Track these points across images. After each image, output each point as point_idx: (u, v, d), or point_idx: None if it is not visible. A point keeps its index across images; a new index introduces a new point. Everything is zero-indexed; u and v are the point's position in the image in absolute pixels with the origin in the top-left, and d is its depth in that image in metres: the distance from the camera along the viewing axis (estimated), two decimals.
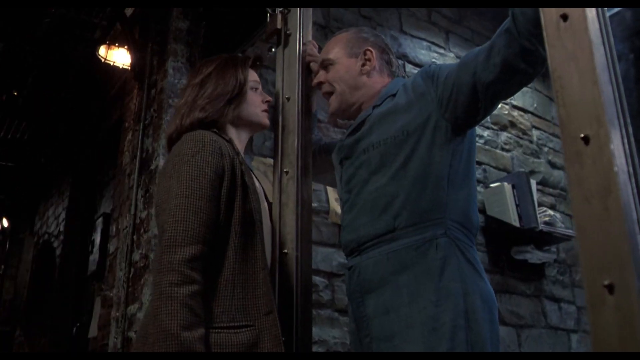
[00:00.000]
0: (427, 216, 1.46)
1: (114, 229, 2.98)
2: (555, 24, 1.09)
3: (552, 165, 4.19)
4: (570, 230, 3.61)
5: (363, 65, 1.70)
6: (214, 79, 1.65)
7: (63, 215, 4.32)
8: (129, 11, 3.04)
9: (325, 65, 1.75)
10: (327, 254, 2.84)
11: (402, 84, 1.65)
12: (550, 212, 3.54)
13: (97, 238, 3.56)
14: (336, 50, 1.74)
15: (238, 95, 1.63)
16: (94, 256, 3.55)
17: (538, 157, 4.12)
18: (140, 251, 2.32)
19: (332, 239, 2.88)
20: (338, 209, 2.89)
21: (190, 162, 1.40)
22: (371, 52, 1.71)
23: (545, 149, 4.19)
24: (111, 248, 2.99)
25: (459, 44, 3.99)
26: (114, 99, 3.61)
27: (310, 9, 1.94)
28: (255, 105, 1.68)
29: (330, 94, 1.74)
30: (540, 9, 1.13)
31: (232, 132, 1.65)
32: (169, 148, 1.63)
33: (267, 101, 1.73)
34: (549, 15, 1.10)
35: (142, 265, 2.27)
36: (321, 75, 1.76)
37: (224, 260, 1.38)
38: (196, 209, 1.35)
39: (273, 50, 2.08)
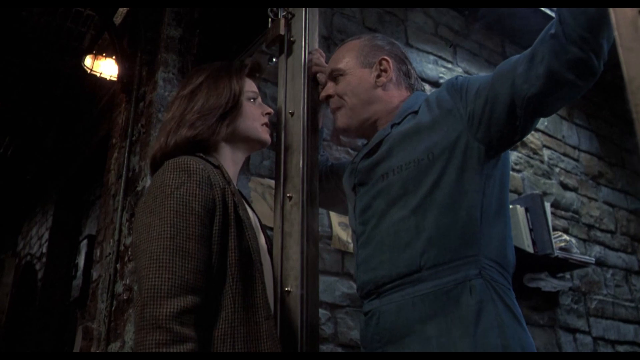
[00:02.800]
0: (459, 253, 1.24)
1: (98, 254, 2.74)
2: (632, 24, 0.88)
3: (564, 186, 3.98)
4: (587, 257, 3.39)
5: (378, 76, 1.49)
6: (205, 89, 1.44)
7: (46, 236, 4.07)
8: (118, 19, 2.82)
9: (335, 76, 1.54)
10: (329, 284, 2.60)
11: (424, 99, 1.44)
12: (566, 237, 3.32)
13: (81, 261, 3.33)
14: (347, 59, 1.53)
15: (233, 108, 1.43)
16: (78, 281, 3.31)
17: (549, 178, 3.92)
18: (123, 282, 2.08)
19: (335, 266, 2.65)
20: (342, 234, 2.66)
21: (174, 196, 1.20)
22: (387, 61, 1.50)
23: (557, 170, 3.98)
24: (94, 274, 2.75)
25: (467, 58, 3.80)
26: (102, 113, 3.39)
27: (317, 13, 1.73)
28: (254, 118, 1.47)
29: (339, 109, 1.53)
30: (611, 10, 0.92)
31: (227, 152, 1.44)
32: (152, 171, 1.41)
33: (267, 113, 1.52)
34: (622, 15, 0.89)
35: (125, 298, 2.03)
36: (330, 88, 1.55)
37: (220, 311, 1.17)
38: (184, 251, 1.15)
39: (274, 60, 1.87)
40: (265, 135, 1.50)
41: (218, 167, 1.34)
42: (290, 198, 1.53)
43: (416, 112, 1.41)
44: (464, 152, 1.30)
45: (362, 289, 1.37)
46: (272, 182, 2.47)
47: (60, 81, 3.74)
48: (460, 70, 3.71)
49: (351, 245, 2.72)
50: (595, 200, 4.13)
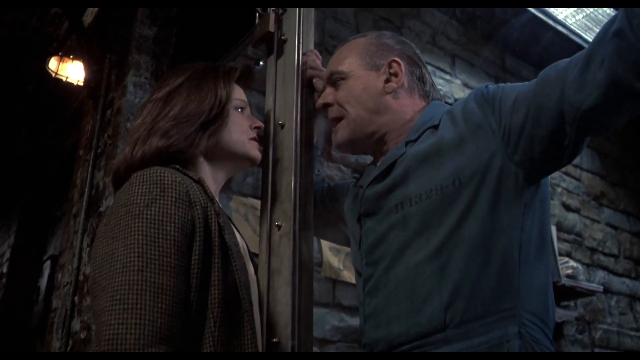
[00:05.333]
0: (493, 307, 0.99)
1: (59, 278, 2.44)
2: None
3: (567, 207, 3.76)
4: (594, 285, 3.16)
5: (387, 81, 1.23)
6: (185, 92, 1.19)
7: (8, 254, 3.73)
8: (88, 18, 2.54)
9: (335, 80, 1.27)
10: (319, 316, 2.32)
11: (445, 110, 1.18)
12: (573, 263, 3.09)
13: (44, 285, 3.01)
14: (350, 60, 1.27)
15: (217, 116, 1.18)
16: (39, 307, 3.00)
17: (552, 199, 3.69)
18: (81, 318, 1.79)
19: (326, 296, 2.38)
20: (333, 261, 2.39)
21: (143, 216, 0.96)
22: (398, 63, 1.24)
23: (559, 189, 3.76)
24: (54, 302, 2.44)
25: (466, 69, 3.58)
26: (72, 120, 3.10)
27: (312, 9, 1.47)
28: (241, 130, 1.23)
29: (340, 119, 1.26)
30: None
31: (205, 169, 1.20)
32: (115, 188, 1.15)
33: (256, 127, 1.27)
34: None
35: (82, 337, 1.74)
36: (328, 94, 1.29)
37: None
38: (155, 288, 0.92)
39: (261, 62, 1.61)
40: (253, 151, 1.25)
41: (198, 181, 1.10)
42: (279, 227, 1.26)
43: (436, 127, 1.14)
44: (498, 177, 1.04)
45: (371, 347, 1.10)
46: (256, 203, 2.20)
47: (27, 85, 3.43)
48: (459, 82, 3.49)
49: (343, 273, 2.45)
50: (598, 222, 3.92)
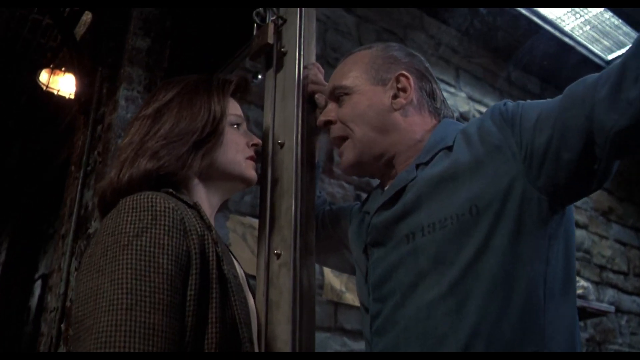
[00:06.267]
0: (516, 349, 0.88)
1: (48, 300, 2.33)
2: None
3: (574, 223, 3.65)
4: (605, 305, 3.05)
5: (395, 97, 1.13)
6: (176, 108, 1.10)
7: None
8: (81, 29, 2.45)
9: (338, 95, 1.18)
10: (320, 341, 2.21)
11: (458, 129, 1.08)
12: (584, 282, 2.97)
13: (34, 304, 2.90)
14: (354, 74, 1.17)
15: (211, 134, 1.09)
16: (29, 328, 2.88)
17: None
18: (67, 348, 1.68)
19: (327, 321, 2.27)
20: (335, 282, 2.29)
21: (132, 247, 0.87)
22: (406, 77, 1.14)
23: None
24: (43, 326, 2.33)
25: (470, 82, 3.49)
26: (64, 135, 3.00)
27: (314, 18, 1.38)
28: (237, 149, 1.13)
29: (343, 139, 1.16)
30: None
31: (200, 192, 1.10)
32: (101, 214, 1.06)
33: (254, 144, 1.18)
34: None
35: None
36: (331, 111, 1.19)
37: None
38: (146, 328, 0.82)
39: (260, 76, 1.52)
40: (250, 171, 1.15)
41: (194, 206, 1.00)
42: (278, 256, 1.16)
43: (450, 149, 1.04)
44: (519, 204, 0.94)
45: None
46: (254, 222, 2.10)
47: (20, 98, 3.34)
48: (463, 95, 3.40)
49: (346, 295, 2.34)
50: (606, 238, 3.82)
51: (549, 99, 1.00)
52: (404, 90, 1.14)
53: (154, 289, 0.84)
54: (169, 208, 0.92)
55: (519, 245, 0.92)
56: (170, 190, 1.00)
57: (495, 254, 0.92)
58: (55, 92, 2.41)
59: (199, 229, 0.95)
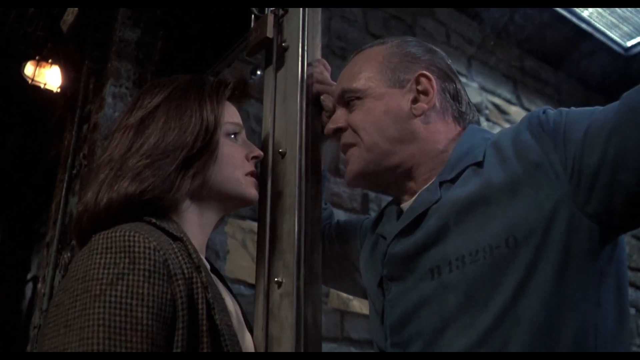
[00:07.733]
0: None
1: (38, 305, 2.19)
2: None
3: None
4: None
5: (415, 100, 0.97)
6: (162, 118, 0.95)
7: None
8: (69, 17, 2.28)
9: (348, 100, 1.02)
10: (326, 352, 2.08)
11: (489, 140, 0.92)
12: None
13: (25, 308, 2.77)
14: (366, 74, 1.01)
15: (203, 149, 0.94)
16: (19, 333, 2.75)
17: None
18: None
19: (334, 330, 2.13)
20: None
21: (105, 299, 0.73)
22: (428, 78, 0.98)
23: None
24: (32, 333, 2.20)
25: (483, 72, 3.32)
26: (54, 131, 2.86)
27: (319, 8, 1.21)
28: (235, 165, 0.98)
29: (354, 148, 1.00)
30: None
31: (192, 215, 0.95)
32: (78, 244, 0.92)
33: (254, 157, 1.03)
34: None
35: None
36: (340, 117, 1.03)
37: None
38: None
39: (258, 72, 1.36)
40: (250, 190, 1.01)
41: (180, 238, 0.85)
42: (279, 284, 1.01)
43: (480, 164, 0.88)
44: (565, 234, 0.78)
45: None
46: (255, 226, 1.95)
47: (8, 91, 3.19)
48: (475, 85, 3.24)
49: (352, 303, 2.20)
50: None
51: (598, 107, 0.84)
52: (425, 93, 0.98)
53: (131, 349, 0.70)
54: (149, 248, 0.77)
55: (565, 285, 0.77)
56: (153, 220, 0.85)
57: (537, 294, 0.77)
58: (42, 86, 2.25)
59: (185, 272, 0.80)
